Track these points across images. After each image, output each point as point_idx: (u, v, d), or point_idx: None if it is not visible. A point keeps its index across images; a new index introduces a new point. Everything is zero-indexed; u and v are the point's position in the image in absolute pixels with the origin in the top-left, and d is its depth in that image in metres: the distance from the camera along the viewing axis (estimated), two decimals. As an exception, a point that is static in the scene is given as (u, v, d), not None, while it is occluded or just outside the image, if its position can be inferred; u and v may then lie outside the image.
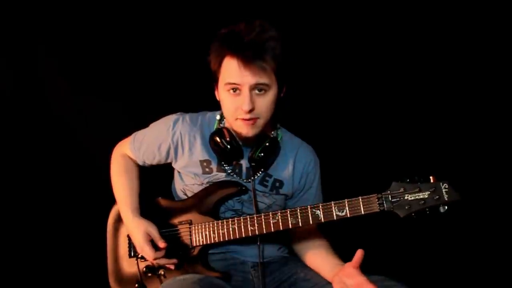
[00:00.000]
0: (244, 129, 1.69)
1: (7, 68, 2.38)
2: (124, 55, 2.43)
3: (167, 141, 1.82)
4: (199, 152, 1.81)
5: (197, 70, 2.21)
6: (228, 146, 1.73)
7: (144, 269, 1.82)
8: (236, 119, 1.68)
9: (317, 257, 1.80)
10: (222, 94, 1.70)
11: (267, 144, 1.76)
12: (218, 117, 1.85)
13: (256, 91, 1.63)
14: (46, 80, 2.42)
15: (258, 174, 1.82)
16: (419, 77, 2.43)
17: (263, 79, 1.62)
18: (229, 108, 1.68)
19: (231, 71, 1.62)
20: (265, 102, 1.66)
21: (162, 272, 1.80)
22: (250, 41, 1.59)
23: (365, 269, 1.67)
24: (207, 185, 1.80)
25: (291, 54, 1.69)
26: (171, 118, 1.86)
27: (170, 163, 1.88)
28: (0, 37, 2.34)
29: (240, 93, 1.63)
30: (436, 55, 2.40)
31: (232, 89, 1.64)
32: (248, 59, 1.58)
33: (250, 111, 1.63)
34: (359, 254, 1.58)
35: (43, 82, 2.42)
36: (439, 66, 2.41)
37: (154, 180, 1.95)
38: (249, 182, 1.80)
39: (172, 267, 1.78)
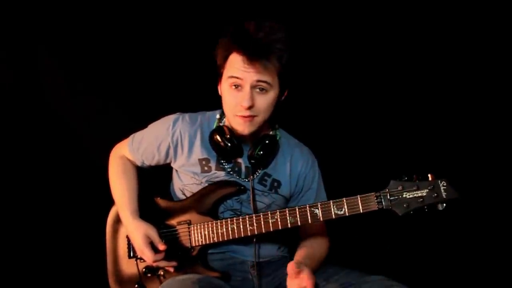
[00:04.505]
0: (241, 126, 1.70)
1: (7, 68, 2.38)
2: (123, 55, 2.43)
3: (166, 140, 1.82)
4: (199, 150, 1.81)
5: (196, 70, 2.23)
6: (228, 144, 1.73)
7: (144, 269, 1.82)
8: (235, 115, 1.69)
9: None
10: (224, 88, 1.71)
11: (267, 142, 1.77)
12: (218, 116, 1.85)
13: (257, 90, 1.65)
14: (46, 80, 2.42)
15: (257, 173, 1.82)
16: (417, 76, 2.42)
17: (265, 77, 1.64)
18: (229, 103, 1.70)
19: (236, 66, 1.64)
20: (264, 101, 1.67)
21: (162, 273, 1.80)
22: (257, 39, 1.62)
23: (366, 269, 1.67)
24: (206, 184, 1.79)
25: (297, 60, 1.71)
26: (170, 117, 1.86)
27: (169, 164, 1.88)
28: (0, 37, 2.35)
29: (242, 90, 1.65)
30: (433, 55, 2.40)
31: (234, 85, 1.66)
32: (253, 56, 1.61)
33: (249, 108, 1.65)
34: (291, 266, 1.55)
35: (43, 82, 2.42)
36: (437, 65, 2.41)
37: (152, 180, 1.95)
38: (248, 181, 1.80)
39: (172, 269, 1.78)
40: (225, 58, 1.69)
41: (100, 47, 2.43)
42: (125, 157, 1.92)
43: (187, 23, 2.42)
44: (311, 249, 1.79)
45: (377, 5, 2.41)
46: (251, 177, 1.78)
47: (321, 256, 1.80)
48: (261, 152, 1.75)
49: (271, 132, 1.85)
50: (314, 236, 1.85)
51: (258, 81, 1.64)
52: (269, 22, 1.67)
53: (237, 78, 1.65)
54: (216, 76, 1.78)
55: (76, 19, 2.40)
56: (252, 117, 1.68)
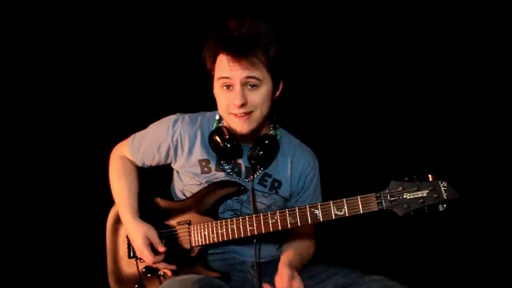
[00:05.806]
0: (239, 125, 1.69)
1: (7, 68, 2.39)
2: (124, 55, 2.43)
3: (166, 141, 1.82)
4: (198, 151, 1.80)
5: (196, 70, 2.22)
6: (228, 145, 1.73)
7: (144, 269, 1.82)
8: (230, 114, 1.69)
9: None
10: (216, 90, 1.72)
11: (267, 142, 1.76)
12: (217, 117, 1.85)
13: (248, 86, 1.65)
14: (46, 80, 2.43)
15: (257, 173, 1.81)
16: (418, 76, 2.42)
17: (254, 73, 1.63)
18: (222, 103, 1.70)
19: (223, 66, 1.65)
20: (258, 96, 1.66)
21: (162, 273, 1.80)
22: (239, 36, 1.63)
23: (366, 269, 1.67)
24: (206, 185, 1.79)
25: (286, 50, 1.71)
26: (170, 118, 1.86)
27: (169, 164, 1.88)
28: (0, 37, 2.35)
29: (233, 89, 1.65)
30: (435, 55, 2.40)
31: (225, 85, 1.66)
32: (237, 53, 1.61)
33: (242, 105, 1.64)
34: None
35: (43, 82, 2.42)
36: (437, 64, 2.40)
37: (153, 181, 1.95)
38: (248, 181, 1.79)
39: (169, 273, 1.78)
40: (214, 61, 1.70)
41: (101, 47, 2.43)
42: (126, 157, 1.92)
43: (187, 23, 2.42)
44: (299, 250, 1.81)
45: (379, 2, 2.41)
46: (251, 177, 1.78)
47: (307, 259, 1.83)
48: (261, 153, 1.74)
49: (271, 132, 1.85)
50: (302, 239, 1.87)
51: (247, 77, 1.63)
52: (250, 18, 1.67)
53: (226, 78, 1.65)
54: (210, 80, 1.79)
55: (76, 20, 2.40)
56: (248, 114, 1.67)
